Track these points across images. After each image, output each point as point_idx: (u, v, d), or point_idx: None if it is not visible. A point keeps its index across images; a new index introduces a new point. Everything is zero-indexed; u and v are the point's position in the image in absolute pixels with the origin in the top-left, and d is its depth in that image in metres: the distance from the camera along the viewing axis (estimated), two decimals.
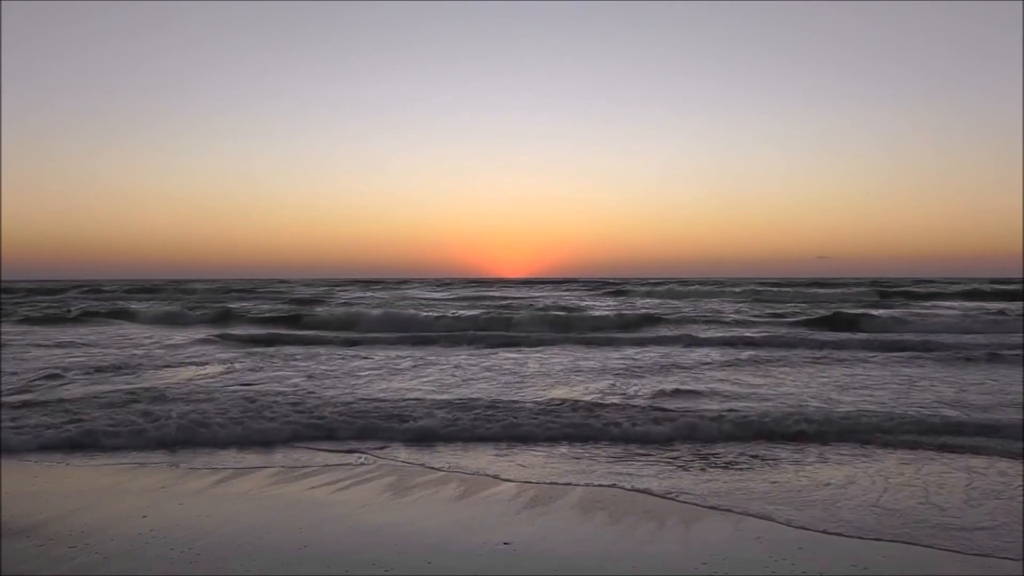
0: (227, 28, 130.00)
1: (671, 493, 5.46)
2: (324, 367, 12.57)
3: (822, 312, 25.64)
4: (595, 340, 16.92)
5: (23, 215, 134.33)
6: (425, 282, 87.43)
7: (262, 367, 12.74)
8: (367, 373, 11.80)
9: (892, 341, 15.89)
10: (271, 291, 54.51)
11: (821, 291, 47.19)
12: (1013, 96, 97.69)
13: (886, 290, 46.48)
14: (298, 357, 14.13)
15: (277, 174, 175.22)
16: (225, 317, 26.80)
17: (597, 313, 25.55)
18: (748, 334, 17.75)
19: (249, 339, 17.76)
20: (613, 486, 5.66)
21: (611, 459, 6.51)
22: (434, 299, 40.27)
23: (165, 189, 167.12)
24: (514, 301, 38.07)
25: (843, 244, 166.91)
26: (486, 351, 15.05)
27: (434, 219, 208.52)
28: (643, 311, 27.68)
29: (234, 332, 19.20)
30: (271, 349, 15.83)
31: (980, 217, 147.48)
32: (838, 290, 48.43)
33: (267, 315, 27.32)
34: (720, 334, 17.99)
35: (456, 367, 12.54)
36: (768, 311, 28.09)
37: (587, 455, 6.66)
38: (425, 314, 23.49)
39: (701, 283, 66.85)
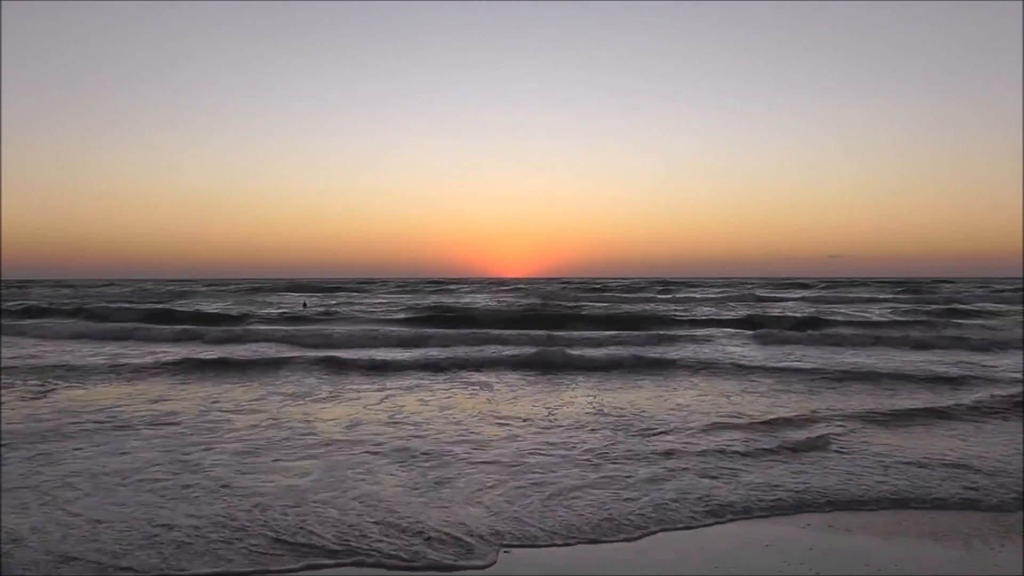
0: (216, 19, 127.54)
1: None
2: None
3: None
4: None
5: (5, 213, 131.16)
6: (408, 283, 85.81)
7: None
8: None
9: None
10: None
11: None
12: None
13: None
14: None
15: (269, 170, 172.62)
16: None
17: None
18: None
19: None
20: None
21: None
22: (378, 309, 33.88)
23: (152, 185, 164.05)
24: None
25: (855, 242, 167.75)
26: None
27: (432, 217, 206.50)
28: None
29: None
30: None
31: (997, 215, 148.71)
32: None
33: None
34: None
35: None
36: None
37: None
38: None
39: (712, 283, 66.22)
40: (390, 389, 10.53)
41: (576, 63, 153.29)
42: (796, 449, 6.62)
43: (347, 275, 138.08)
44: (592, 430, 7.53)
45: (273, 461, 6.15)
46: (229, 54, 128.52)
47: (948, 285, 59.63)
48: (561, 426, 7.75)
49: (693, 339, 17.78)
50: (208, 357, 13.53)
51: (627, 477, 5.69)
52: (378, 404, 9.21)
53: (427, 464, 6.05)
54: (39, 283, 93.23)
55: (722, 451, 6.49)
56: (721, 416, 8.19)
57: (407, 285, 72.49)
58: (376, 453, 6.43)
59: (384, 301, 39.88)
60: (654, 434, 7.27)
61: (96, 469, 5.83)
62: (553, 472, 5.81)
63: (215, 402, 9.29)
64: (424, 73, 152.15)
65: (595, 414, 8.49)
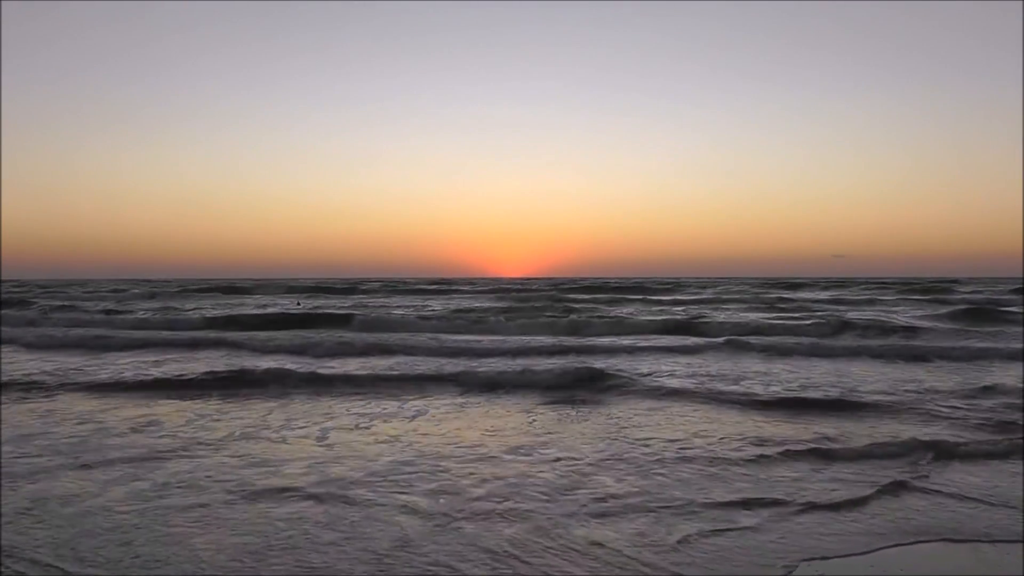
0: (211, 16, 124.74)
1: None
2: None
3: None
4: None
5: None
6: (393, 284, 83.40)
7: None
8: None
9: None
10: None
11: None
12: None
13: None
14: None
15: (265, 169, 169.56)
16: None
17: None
18: None
19: None
20: None
21: None
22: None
23: (146, 184, 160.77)
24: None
25: (860, 242, 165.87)
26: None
27: (431, 216, 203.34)
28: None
29: None
30: None
31: (1005, 214, 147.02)
32: None
33: None
34: None
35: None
36: None
37: None
38: None
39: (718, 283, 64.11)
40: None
41: (576, 61, 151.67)
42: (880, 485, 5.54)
43: (346, 275, 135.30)
44: (600, 462, 6.15)
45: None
46: (224, 51, 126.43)
47: (964, 286, 57.61)
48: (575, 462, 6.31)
49: (702, 348, 15.67)
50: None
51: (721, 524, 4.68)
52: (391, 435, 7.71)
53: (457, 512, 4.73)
54: (12, 283, 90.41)
55: (802, 498, 5.22)
56: (768, 448, 6.79)
57: (398, 285, 70.02)
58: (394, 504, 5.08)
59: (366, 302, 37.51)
60: (702, 466, 6.10)
61: None
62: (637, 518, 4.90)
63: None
64: (423, 70, 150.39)
65: (604, 440, 7.09)
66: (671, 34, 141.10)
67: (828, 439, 7.18)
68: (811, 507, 5.10)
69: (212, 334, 18.80)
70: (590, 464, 6.29)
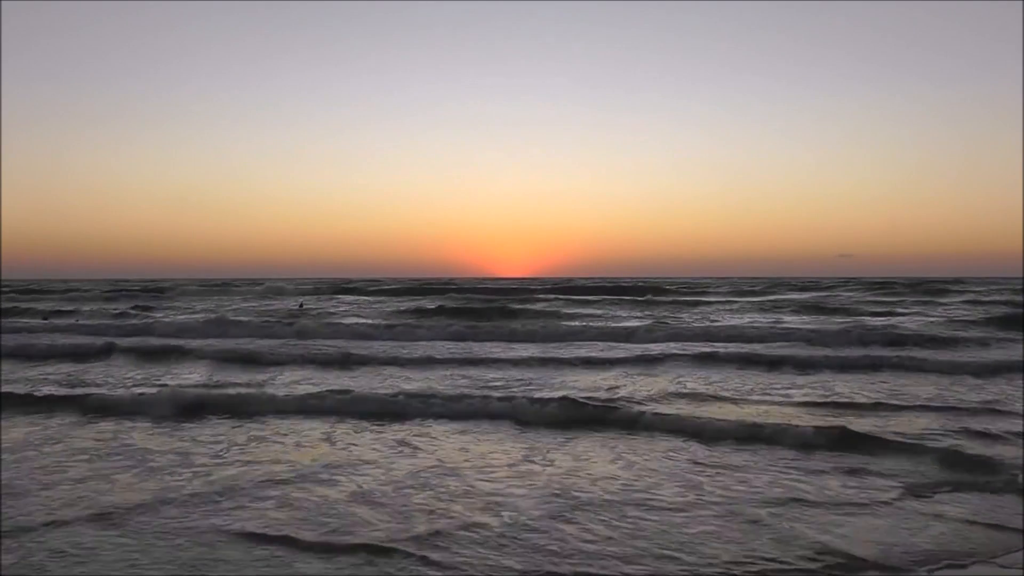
0: (205, 13, 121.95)
1: None
2: None
3: None
4: None
5: None
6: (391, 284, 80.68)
7: None
8: None
9: None
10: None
11: None
12: None
13: None
14: None
15: (262, 167, 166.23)
16: None
17: None
18: None
19: None
20: None
21: None
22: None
23: (139, 183, 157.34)
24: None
25: (866, 241, 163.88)
26: None
27: (430, 215, 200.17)
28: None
29: None
30: None
31: (1008, 213, 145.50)
32: None
33: None
34: None
35: None
36: None
37: None
38: None
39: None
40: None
41: (578, 58, 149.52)
42: None
43: (344, 275, 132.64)
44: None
45: None
46: (219, 49, 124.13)
47: (974, 287, 55.45)
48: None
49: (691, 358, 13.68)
50: None
51: None
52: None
53: None
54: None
55: None
56: None
57: (366, 286, 67.26)
58: None
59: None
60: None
61: None
62: None
63: None
64: (422, 68, 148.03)
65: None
66: (675, 31, 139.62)
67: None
68: None
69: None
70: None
